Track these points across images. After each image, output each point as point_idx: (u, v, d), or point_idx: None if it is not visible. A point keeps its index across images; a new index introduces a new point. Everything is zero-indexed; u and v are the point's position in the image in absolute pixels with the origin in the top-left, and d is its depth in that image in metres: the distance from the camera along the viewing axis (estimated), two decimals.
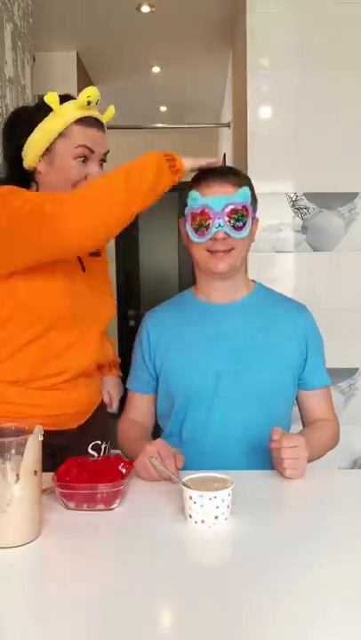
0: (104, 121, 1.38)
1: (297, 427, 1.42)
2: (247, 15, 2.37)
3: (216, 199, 1.28)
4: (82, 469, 1.11)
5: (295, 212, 2.40)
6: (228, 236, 1.29)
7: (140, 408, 1.46)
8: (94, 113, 1.34)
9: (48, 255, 1.25)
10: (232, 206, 1.28)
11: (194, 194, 1.31)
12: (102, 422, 1.55)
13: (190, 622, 0.73)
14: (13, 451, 0.92)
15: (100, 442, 1.18)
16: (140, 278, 5.49)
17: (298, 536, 0.96)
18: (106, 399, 1.59)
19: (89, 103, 1.30)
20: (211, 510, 0.97)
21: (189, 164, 1.30)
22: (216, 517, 0.97)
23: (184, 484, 1.00)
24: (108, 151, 1.39)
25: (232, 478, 1.02)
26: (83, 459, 1.15)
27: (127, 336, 4.77)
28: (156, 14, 3.32)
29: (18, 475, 0.92)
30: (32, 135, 1.33)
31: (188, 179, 1.39)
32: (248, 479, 1.13)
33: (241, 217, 1.29)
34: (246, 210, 1.30)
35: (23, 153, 1.36)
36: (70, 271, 1.37)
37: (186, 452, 1.21)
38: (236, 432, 1.32)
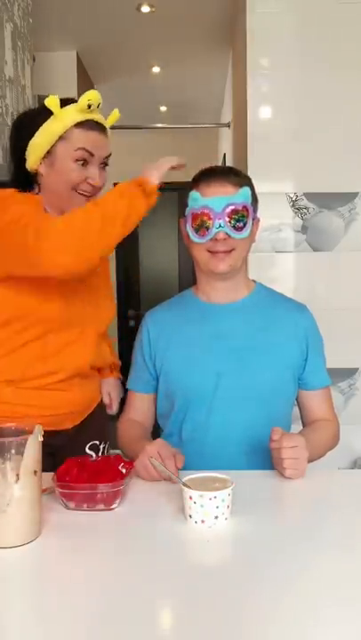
0: (106, 124, 1.38)
1: (297, 427, 1.42)
2: (247, 15, 2.36)
3: (216, 199, 1.28)
4: (82, 469, 1.11)
5: (295, 212, 2.40)
6: (229, 236, 1.29)
7: (140, 408, 1.46)
8: (95, 116, 1.35)
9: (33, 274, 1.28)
10: (232, 207, 1.28)
11: (194, 194, 1.31)
12: (101, 423, 1.55)
13: (190, 622, 0.73)
14: (13, 451, 0.92)
15: (97, 442, 1.18)
16: (140, 278, 5.49)
17: (298, 536, 0.96)
18: (106, 400, 1.59)
19: (89, 107, 1.31)
20: (211, 510, 0.97)
21: (157, 176, 1.31)
22: (216, 517, 0.97)
23: (184, 484, 1.00)
24: (109, 155, 1.39)
25: (232, 478, 1.02)
26: (83, 459, 1.15)
27: (127, 336, 4.76)
28: (156, 14, 3.32)
29: (18, 475, 0.92)
30: (34, 138, 1.34)
31: (188, 179, 1.39)
32: (248, 479, 1.13)
33: (241, 217, 1.29)
34: (247, 210, 1.30)
35: (26, 155, 1.37)
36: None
37: (186, 452, 1.21)
38: (236, 432, 1.32)
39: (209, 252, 1.32)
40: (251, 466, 1.27)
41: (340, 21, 2.33)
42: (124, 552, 0.93)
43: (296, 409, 1.46)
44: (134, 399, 1.47)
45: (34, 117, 1.35)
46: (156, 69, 4.26)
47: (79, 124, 1.32)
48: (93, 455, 1.15)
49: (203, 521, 0.97)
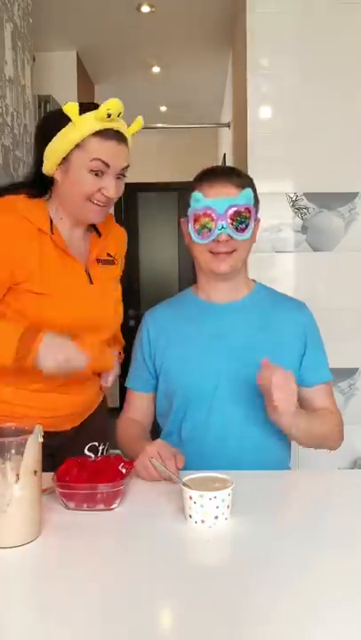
0: (127, 134, 1.32)
1: None
2: (247, 15, 2.36)
3: (219, 200, 1.28)
4: (82, 469, 1.11)
5: (295, 212, 2.39)
6: (231, 238, 1.29)
7: (140, 407, 1.46)
8: (115, 125, 1.29)
9: None
10: (235, 208, 1.28)
11: (196, 195, 1.31)
12: (102, 423, 1.55)
13: (190, 622, 0.73)
14: (13, 451, 0.92)
15: (97, 443, 1.18)
16: (140, 278, 5.49)
17: (298, 536, 0.96)
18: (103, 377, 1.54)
19: (109, 116, 1.25)
20: (211, 510, 0.97)
21: (52, 365, 1.28)
22: (216, 517, 0.97)
23: (184, 484, 1.00)
24: (127, 166, 1.33)
25: (232, 478, 1.02)
26: (83, 459, 1.15)
27: (127, 336, 4.78)
28: (156, 14, 3.32)
29: (18, 475, 0.92)
30: (51, 142, 1.31)
31: (188, 178, 1.39)
32: (248, 479, 1.13)
33: (244, 219, 1.29)
34: (249, 212, 1.30)
35: (44, 157, 1.34)
36: (74, 284, 1.37)
37: (185, 452, 1.21)
38: (235, 431, 1.32)
39: (210, 252, 1.32)
40: (251, 465, 1.27)
41: (341, 21, 2.33)
42: (124, 552, 0.93)
43: None
44: (133, 398, 1.47)
45: (56, 121, 1.30)
46: (156, 69, 4.26)
47: (97, 133, 1.27)
48: (92, 456, 1.15)
49: (203, 521, 0.97)
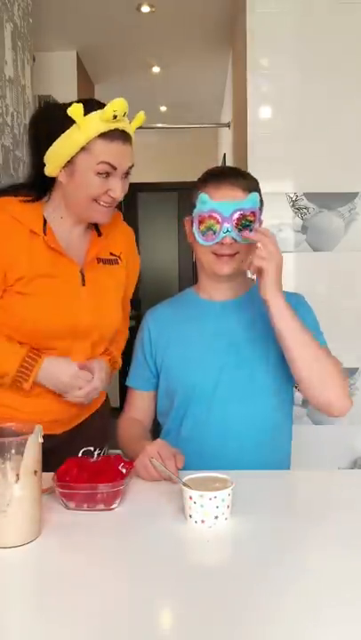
0: (131, 132, 1.31)
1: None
2: (247, 15, 2.36)
3: (225, 204, 1.28)
4: (82, 469, 1.11)
5: (295, 212, 2.39)
6: (235, 241, 1.29)
7: (141, 406, 1.47)
8: (120, 125, 1.26)
9: None
10: (241, 212, 1.28)
11: (203, 196, 1.31)
12: (100, 425, 1.53)
13: (190, 622, 0.73)
14: (13, 451, 0.92)
15: (92, 448, 1.17)
16: (141, 278, 5.48)
17: (298, 536, 0.96)
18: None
19: (115, 117, 1.23)
20: (211, 510, 0.97)
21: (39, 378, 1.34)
22: (216, 517, 0.97)
23: (184, 484, 1.00)
24: (132, 165, 1.32)
25: (232, 478, 1.02)
26: (83, 459, 1.15)
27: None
28: (156, 14, 3.32)
29: (18, 475, 0.92)
30: (54, 144, 1.28)
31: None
32: (248, 479, 1.13)
33: (249, 223, 1.29)
34: (254, 215, 1.30)
35: (45, 159, 1.31)
36: (64, 286, 1.35)
37: (185, 451, 1.21)
38: (236, 428, 1.33)
39: (214, 254, 1.33)
40: (251, 465, 1.27)
41: (340, 21, 2.33)
42: (124, 552, 0.93)
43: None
44: (134, 397, 1.48)
45: (58, 121, 1.26)
46: (156, 69, 4.26)
47: (103, 135, 1.25)
48: (93, 455, 1.15)
49: (203, 521, 0.97)
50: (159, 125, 4.14)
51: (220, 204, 1.28)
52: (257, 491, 1.13)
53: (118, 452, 1.35)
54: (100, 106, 1.26)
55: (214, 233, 1.29)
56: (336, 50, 2.34)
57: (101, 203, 1.31)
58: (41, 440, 0.95)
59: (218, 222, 1.28)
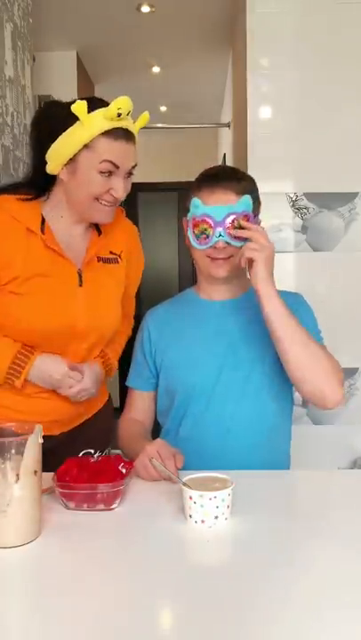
0: (135, 131, 1.29)
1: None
2: (247, 15, 2.36)
3: (217, 208, 1.28)
4: (82, 469, 1.11)
5: (295, 212, 2.39)
6: (229, 244, 1.29)
7: (141, 406, 1.47)
8: (124, 123, 1.25)
9: None
10: (233, 216, 1.28)
11: (195, 201, 1.31)
12: (103, 426, 1.53)
13: (190, 622, 0.73)
14: (13, 451, 0.92)
15: (92, 450, 1.17)
16: (141, 278, 5.49)
17: (298, 536, 0.96)
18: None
19: (119, 115, 1.22)
20: (211, 510, 0.97)
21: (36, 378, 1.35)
22: (216, 517, 0.97)
23: (184, 484, 1.00)
24: (135, 165, 1.31)
25: (232, 478, 1.02)
26: (83, 459, 1.15)
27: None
28: (156, 14, 3.32)
29: (18, 475, 0.92)
30: (56, 142, 1.27)
31: (188, 178, 1.39)
32: (248, 479, 1.13)
33: (240, 226, 1.29)
34: (247, 218, 1.30)
35: (47, 157, 1.30)
36: (60, 286, 1.34)
37: (185, 450, 1.21)
38: (234, 428, 1.33)
39: (209, 257, 1.33)
40: (251, 464, 1.27)
41: (340, 21, 2.33)
42: (124, 552, 0.93)
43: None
44: (134, 397, 1.48)
45: (61, 119, 1.26)
46: (156, 69, 4.27)
47: (106, 133, 1.24)
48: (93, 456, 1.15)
49: (203, 521, 0.97)
50: (159, 125, 4.13)
51: (212, 208, 1.29)
52: (257, 491, 1.13)
53: (118, 452, 1.35)
54: (104, 104, 1.26)
55: (207, 237, 1.30)
56: (336, 50, 2.34)
57: (103, 202, 1.30)
58: (41, 440, 0.95)
59: (211, 227, 1.29)
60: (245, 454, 1.32)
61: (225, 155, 4.19)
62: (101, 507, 1.06)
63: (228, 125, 3.87)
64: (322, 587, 0.80)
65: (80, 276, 1.36)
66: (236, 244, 1.29)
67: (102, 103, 1.26)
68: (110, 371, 1.49)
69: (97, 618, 0.74)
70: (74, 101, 1.24)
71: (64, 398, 1.38)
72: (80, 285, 1.36)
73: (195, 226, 1.31)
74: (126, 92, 1.26)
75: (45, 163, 1.32)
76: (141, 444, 1.22)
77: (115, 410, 1.64)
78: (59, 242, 1.35)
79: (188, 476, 1.04)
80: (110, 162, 1.25)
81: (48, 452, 1.07)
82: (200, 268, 1.39)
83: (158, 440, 1.23)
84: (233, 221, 1.28)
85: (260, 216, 1.40)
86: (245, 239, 1.27)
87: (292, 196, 2.39)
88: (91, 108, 1.23)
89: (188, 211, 1.34)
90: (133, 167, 1.31)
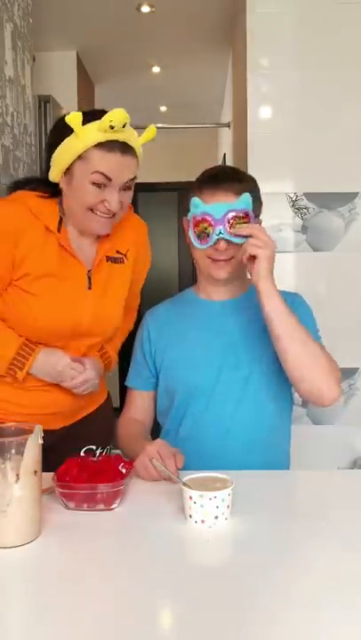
0: (135, 144, 1.28)
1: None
2: (247, 15, 2.36)
3: (217, 206, 1.28)
4: (82, 469, 1.11)
5: (295, 212, 2.39)
6: (229, 242, 1.29)
7: (141, 406, 1.47)
8: (120, 136, 1.24)
9: None
10: (233, 213, 1.28)
11: (196, 200, 1.31)
12: (102, 424, 1.53)
13: (190, 622, 0.73)
14: (13, 451, 0.92)
15: (94, 447, 1.17)
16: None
17: (298, 536, 0.96)
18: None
19: (112, 127, 1.20)
20: (211, 510, 0.97)
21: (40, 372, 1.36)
22: (216, 517, 0.97)
23: (184, 484, 1.00)
24: (133, 178, 1.30)
25: (232, 478, 1.02)
26: (83, 458, 1.15)
27: (127, 335, 4.77)
28: (156, 14, 3.33)
29: (18, 475, 0.92)
30: (56, 151, 1.28)
31: (188, 178, 1.39)
32: (248, 479, 1.13)
33: (242, 224, 1.29)
34: (248, 216, 1.30)
35: (51, 165, 1.32)
36: (69, 289, 1.35)
37: (185, 449, 1.21)
38: (234, 427, 1.33)
39: (210, 258, 1.33)
40: (251, 464, 1.27)
41: (340, 21, 2.33)
42: (124, 552, 0.93)
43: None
44: (134, 397, 1.48)
45: (62, 128, 1.26)
46: (156, 69, 4.26)
47: (100, 145, 1.23)
48: (94, 455, 1.15)
49: (203, 521, 0.97)
50: (159, 125, 4.13)
51: (211, 207, 1.29)
52: (257, 491, 1.13)
53: (118, 452, 1.35)
54: (103, 115, 1.24)
55: (208, 236, 1.29)
56: (336, 50, 2.34)
57: (98, 213, 1.30)
58: (41, 441, 0.95)
59: (210, 225, 1.28)
60: (245, 454, 1.32)
61: (225, 155, 4.19)
62: (101, 507, 1.06)
63: (228, 125, 3.87)
64: (322, 586, 0.80)
65: (89, 279, 1.38)
66: (237, 241, 1.29)
67: (102, 114, 1.24)
68: (109, 364, 1.50)
69: (97, 618, 0.74)
70: (84, 111, 1.25)
71: (65, 391, 1.39)
72: (89, 289, 1.37)
73: (195, 225, 1.31)
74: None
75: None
76: (141, 444, 1.22)
77: (114, 410, 1.64)
78: (71, 242, 1.36)
79: (188, 476, 1.04)
80: (102, 174, 1.25)
81: (49, 448, 1.07)
82: (201, 269, 1.39)
83: (158, 440, 1.23)
84: (233, 218, 1.28)
85: (261, 216, 1.40)
86: (246, 237, 1.27)
87: (292, 196, 2.39)
88: (88, 120, 1.23)
89: (188, 211, 1.34)
90: (132, 180, 1.30)
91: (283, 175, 2.40)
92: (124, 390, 1.53)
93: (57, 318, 1.34)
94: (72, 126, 1.23)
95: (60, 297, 1.34)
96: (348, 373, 2.40)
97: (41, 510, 0.97)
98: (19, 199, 1.34)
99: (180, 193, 5.17)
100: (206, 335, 1.38)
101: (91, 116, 1.24)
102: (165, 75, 4.34)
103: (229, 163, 3.74)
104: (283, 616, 0.74)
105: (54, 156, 1.29)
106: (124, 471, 1.10)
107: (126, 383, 1.49)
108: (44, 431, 1.36)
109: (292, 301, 1.35)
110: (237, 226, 1.28)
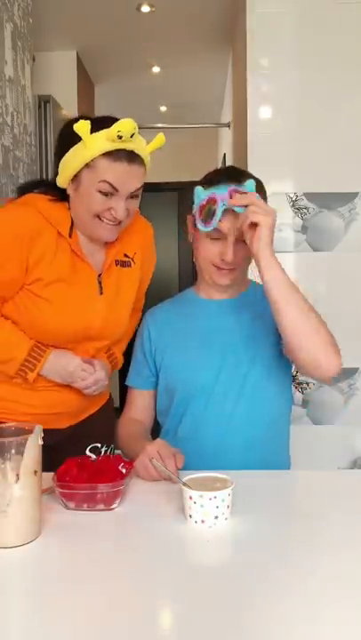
0: (142, 153, 1.28)
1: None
2: (247, 15, 2.36)
3: (221, 187, 1.28)
4: (82, 469, 1.11)
5: (295, 212, 2.39)
6: (233, 212, 1.26)
7: (141, 405, 1.47)
8: (128, 145, 1.24)
9: None
10: (236, 189, 1.26)
11: (198, 189, 1.32)
12: (104, 425, 1.54)
13: (190, 622, 0.73)
14: (13, 451, 0.92)
15: (99, 445, 1.17)
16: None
17: (298, 536, 0.96)
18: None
19: (120, 137, 1.21)
20: (211, 510, 0.97)
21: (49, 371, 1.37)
22: (216, 517, 0.97)
23: (184, 484, 1.00)
24: (140, 187, 1.29)
25: (232, 478, 1.02)
26: (83, 459, 1.15)
27: None
28: (156, 14, 3.32)
29: (18, 475, 0.92)
30: (64, 157, 1.28)
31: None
32: (248, 479, 1.13)
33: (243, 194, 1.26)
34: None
35: (59, 170, 1.32)
36: (80, 294, 1.35)
37: (185, 449, 1.21)
38: (233, 427, 1.33)
39: (215, 266, 1.34)
40: (251, 464, 1.27)
41: (340, 21, 2.33)
42: (124, 552, 0.93)
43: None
44: (134, 396, 1.48)
45: (70, 135, 1.26)
46: (155, 69, 4.26)
47: (107, 154, 1.23)
48: (93, 456, 1.15)
49: (203, 521, 0.97)
50: (159, 125, 4.13)
51: (216, 187, 1.29)
52: (257, 491, 1.13)
53: (118, 452, 1.36)
54: (112, 123, 1.24)
55: (213, 214, 1.27)
56: (336, 50, 2.34)
57: (104, 220, 1.30)
58: (41, 442, 0.95)
59: (215, 202, 1.27)
60: (245, 453, 1.32)
61: (225, 155, 4.19)
62: (101, 507, 1.06)
63: (228, 125, 3.87)
64: (322, 586, 0.80)
65: (100, 283, 1.38)
66: (240, 210, 1.25)
67: (111, 122, 1.24)
68: (116, 365, 1.52)
69: (97, 617, 0.74)
70: (92, 118, 1.25)
71: (72, 390, 1.40)
72: (101, 293, 1.38)
73: (201, 211, 1.30)
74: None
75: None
76: (141, 444, 1.22)
77: (115, 409, 1.64)
78: (82, 247, 1.36)
79: (188, 476, 1.04)
80: (108, 183, 1.24)
81: (53, 447, 1.08)
82: (203, 273, 1.40)
83: (158, 440, 1.23)
84: (235, 191, 1.25)
85: None
86: (246, 207, 1.24)
87: (292, 196, 2.39)
88: (96, 128, 1.23)
89: (192, 209, 1.34)
90: (139, 189, 1.30)
91: (283, 175, 2.40)
92: (124, 390, 1.54)
93: (69, 323, 1.34)
94: (80, 134, 1.22)
95: (73, 302, 1.34)
96: (348, 373, 2.40)
97: (41, 510, 0.97)
98: (30, 202, 1.34)
99: (180, 193, 5.18)
100: (206, 334, 1.39)
101: (100, 123, 1.24)
102: (165, 75, 4.34)
103: (229, 163, 3.74)
104: (283, 616, 0.74)
105: (62, 162, 1.29)
106: (124, 471, 1.10)
107: (127, 382, 1.50)
108: (51, 430, 1.37)
109: None
110: (238, 196, 1.25)
